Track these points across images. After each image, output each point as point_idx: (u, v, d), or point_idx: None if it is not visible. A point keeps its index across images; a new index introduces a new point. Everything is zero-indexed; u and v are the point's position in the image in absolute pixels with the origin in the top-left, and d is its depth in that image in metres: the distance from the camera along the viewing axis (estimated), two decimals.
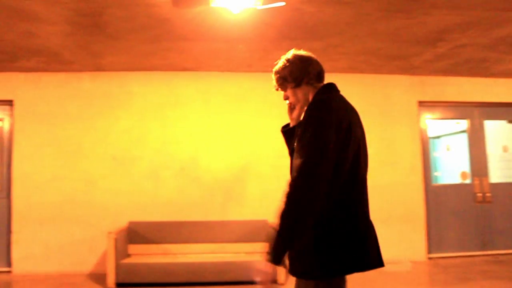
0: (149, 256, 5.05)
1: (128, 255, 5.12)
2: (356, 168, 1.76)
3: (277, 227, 1.64)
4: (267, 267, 1.66)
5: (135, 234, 5.21)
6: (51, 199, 5.44)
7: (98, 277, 5.22)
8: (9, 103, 5.65)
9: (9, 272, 5.53)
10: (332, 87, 1.89)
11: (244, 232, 5.29)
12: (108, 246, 4.61)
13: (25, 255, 5.46)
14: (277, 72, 1.95)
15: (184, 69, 5.47)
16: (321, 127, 1.67)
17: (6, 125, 5.75)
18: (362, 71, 5.64)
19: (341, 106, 1.79)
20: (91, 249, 5.43)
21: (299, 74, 1.88)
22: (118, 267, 4.59)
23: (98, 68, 5.39)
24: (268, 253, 1.66)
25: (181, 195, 5.39)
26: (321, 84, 1.91)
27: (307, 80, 1.88)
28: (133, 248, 5.18)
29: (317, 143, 1.65)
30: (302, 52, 1.95)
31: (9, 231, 5.60)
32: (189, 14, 3.87)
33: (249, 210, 5.48)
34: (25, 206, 5.48)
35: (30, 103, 5.54)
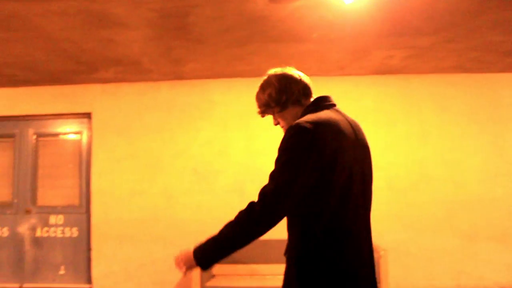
0: (235, 278, 4.65)
1: (213, 276, 4.74)
2: (346, 198, 1.55)
3: (218, 233, 1.65)
4: (186, 262, 1.68)
5: None
6: (130, 216, 5.20)
7: None
8: (87, 115, 5.49)
9: None
10: (319, 103, 1.71)
11: None
12: (194, 272, 4.23)
13: (105, 272, 5.25)
14: (257, 99, 1.84)
15: None
16: (291, 156, 1.53)
17: (84, 138, 5.60)
18: (468, 70, 4.99)
19: (326, 127, 1.56)
20: (172, 269, 5.08)
21: (281, 96, 1.75)
22: None
23: (178, 76, 5.12)
24: (196, 251, 1.67)
25: None
26: (309, 100, 1.76)
27: (292, 100, 1.75)
28: (218, 269, 4.81)
29: (283, 173, 1.52)
30: (278, 71, 1.80)
31: (89, 248, 5.42)
32: (286, 10, 3.45)
33: None
34: (104, 222, 5.28)
35: (108, 115, 5.36)
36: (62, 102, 5.50)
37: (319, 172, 1.50)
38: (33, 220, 5.67)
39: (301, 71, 5.11)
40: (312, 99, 1.78)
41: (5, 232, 5.72)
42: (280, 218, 1.55)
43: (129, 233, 5.23)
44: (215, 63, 4.71)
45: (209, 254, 1.67)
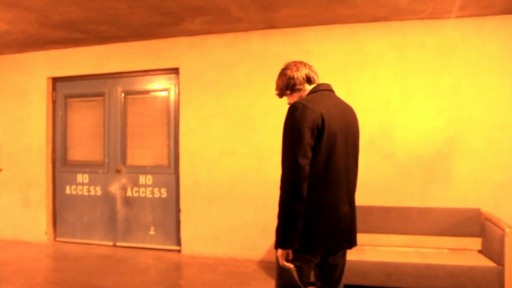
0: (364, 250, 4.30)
1: None
2: (331, 155, 2.11)
3: (279, 217, 2.08)
4: (277, 252, 2.12)
5: None
6: (219, 177, 5.03)
7: (270, 266, 4.67)
8: (175, 71, 5.32)
9: (178, 251, 5.31)
10: (316, 88, 2.30)
11: (450, 224, 4.29)
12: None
13: (194, 235, 5.19)
14: (276, 83, 2.41)
15: (374, 19, 4.55)
16: (292, 129, 2.07)
17: (172, 95, 5.46)
18: None
19: (315, 104, 2.11)
20: (263, 233, 4.91)
21: (288, 83, 2.33)
22: None
23: (270, 25, 4.75)
24: (276, 242, 2.10)
25: (370, 174, 4.53)
26: (312, 86, 2.33)
27: (298, 86, 2.32)
28: None
29: (291, 144, 2.05)
30: (290, 62, 2.41)
31: (178, 209, 5.35)
32: None
33: (456, 195, 4.45)
34: (193, 184, 5.17)
35: (195, 70, 5.17)
36: (149, 58, 5.39)
37: (313, 133, 2.05)
38: (123, 180, 5.71)
39: (412, 13, 4.46)
40: (314, 85, 2.34)
41: (98, 191, 5.84)
42: (305, 172, 2.03)
43: (218, 195, 5.08)
44: (312, 7, 4.29)
45: (285, 236, 2.06)
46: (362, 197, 4.60)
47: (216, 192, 5.14)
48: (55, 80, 6.07)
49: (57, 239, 6.09)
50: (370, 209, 4.45)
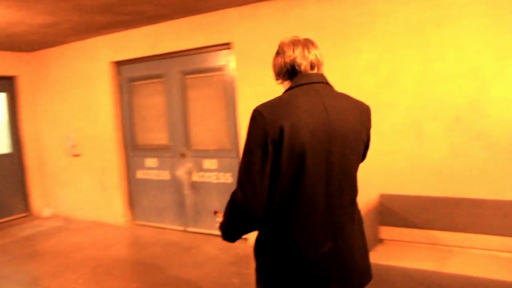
0: (408, 246, 3.65)
1: (380, 241, 3.84)
2: (297, 185, 1.61)
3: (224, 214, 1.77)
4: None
5: (389, 212, 3.91)
6: None
7: None
8: (229, 46, 4.84)
9: (244, 239, 5.00)
10: (296, 82, 1.73)
11: None
12: None
13: None
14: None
15: None
16: (245, 144, 1.64)
17: (229, 73, 5.01)
18: None
19: (278, 112, 1.59)
20: None
21: (277, 67, 1.81)
22: None
23: None
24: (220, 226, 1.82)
25: (456, 158, 3.75)
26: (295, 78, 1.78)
27: (286, 74, 1.78)
28: (386, 232, 3.87)
29: (241, 165, 1.64)
30: (284, 40, 1.81)
31: None
32: None
33: None
34: None
35: (249, 43, 4.77)
36: (201, 34, 5.00)
37: (265, 153, 1.58)
38: (189, 164, 5.53)
39: None
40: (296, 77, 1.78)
41: (166, 175, 5.74)
42: (253, 207, 1.61)
43: None
44: None
45: (224, 232, 1.80)
46: (446, 186, 3.83)
47: None
48: (119, 64, 5.97)
49: (134, 221, 6.17)
50: (457, 202, 3.67)
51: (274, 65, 1.81)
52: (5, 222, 6.77)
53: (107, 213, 6.31)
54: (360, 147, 1.75)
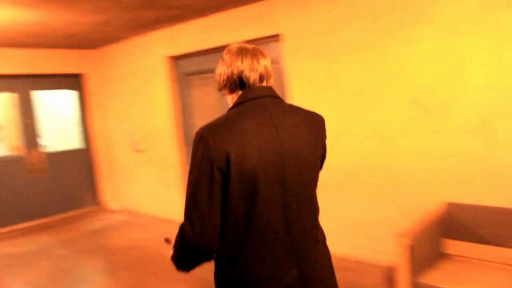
0: (474, 266, 3.21)
1: (443, 255, 3.38)
2: (251, 212, 1.50)
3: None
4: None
5: (455, 224, 3.44)
6: (334, 161, 4.26)
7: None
8: (277, 38, 4.53)
9: None
10: (244, 98, 1.59)
11: None
12: (398, 257, 2.99)
13: None
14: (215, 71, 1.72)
15: None
16: (190, 171, 1.51)
17: (279, 67, 4.71)
18: None
19: (224, 135, 1.48)
20: (390, 233, 3.93)
21: (222, 78, 1.63)
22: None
23: None
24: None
25: None
26: (242, 93, 1.62)
27: (232, 87, 1.62)
28: (451, 246, 3.42)
29: (187, 195, 1.51)
30: (231, 48, 1.65)
31: None
32: None
33: None
34: None
35: (299, 35, 4.47)
36: (249, 26, 4.77)
37: (212, 180, 1.47)
38: None
39: None
40: (243, 92, 1.62)
41: None
42: (213, 235, 1.50)
43: (335, 183, 4.31)
44: None
45: (177, 265, 1.68)
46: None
47: (333, 179, 4.34)
48: (175, 59, 5.90)
49: None
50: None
51: (219, 75, 1.64)
52: (77, 215, 7.13)
53: (169, 210, 6.35)
54: (316, 163, 1.65)
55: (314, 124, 1.66)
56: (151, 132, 6.42)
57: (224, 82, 1.63)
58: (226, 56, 1.63)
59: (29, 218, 6.67)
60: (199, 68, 5.71)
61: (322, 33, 4.19)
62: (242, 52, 1.60)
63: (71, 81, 7.06)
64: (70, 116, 7.39)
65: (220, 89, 1.69)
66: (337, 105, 4.21)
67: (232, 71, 1.59)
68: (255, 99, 1.58)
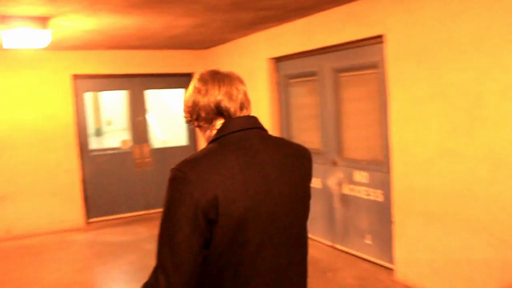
0: None
1: None
2: (241, 265, 1.34)
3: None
4: None
5: None
6: (437, 185, 3.70)
7: None
8: (380, 40, 4.04)
9: (390, 270, 4.28)
10: (226, 130, 1.42)
11: None
12: None
13: (408, 257, 4.09)
14: (184, 99, 1.54)
15: None
16: (165, 216, 1.31)
17: (381, 72, 4.25)
18: None
19: (209, 174, 1.29)
20: (502, 279, 3.23)
21: (191, 110, 1.47)
22: None
23: None
24: None
25: None
26: (222, 123, 1.46)
27: (202, 118, 1.46)
28: None
29: (162, 242, 1.30)
30: (204, 74, 1.48)
31: (390, 219, 4.20)
32: None
33: None
34: (406, 189, 4.02)
35: (404, 36, 3.95)
36: (351, 26, 4.36)
37: (196, 228, 1.27)
38: (339, 173, 4.96)
39: None
40: (223, 122, 1.45)
41: (318, 183, 5.25)
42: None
43: (436, 210, 3.71)
44: None
45: None
46: None
47: (433, 206, 3.70)
48: (277, 61, 5.66)
49: None
50: None
51: (192, 106, 1.45)
52: None
53: None
54: (307, 200, 1.56)
55: (301, 159, 1.53)
56: None
57: (198, 113, 1.45)
58: (198, 83, 1.46)
59: (130, 209, 7.02)
60: (299, 71, 5.40)
61: (430, 33, 3.57)
62: (218, 78, 1.44)
63: (182, 80, 7.27)
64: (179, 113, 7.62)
65: (190, 121, 1.50)
66: (443, 120, 3.55)
67: (208, 100, 1.42)
68: (238, 131, 1.42)
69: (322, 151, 5.17)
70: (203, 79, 1.45)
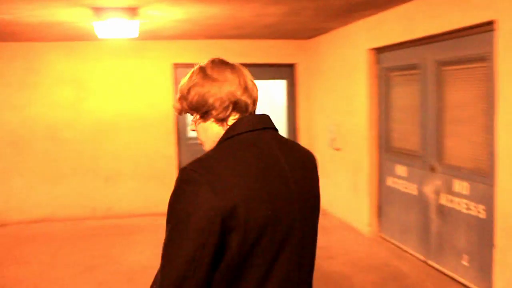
0: None
1: None
2: (247, 267, 1.17)
3: None
4: None
5: None
6: None
7: None
8: (489, 27, 3.41)
9: None
10: (240, 129, 1.24)
11: None
12: None
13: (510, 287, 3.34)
14: (180, 89, 1.34)
15: None
16: (173, 226, 1.12)
17: (491, 65, 3.57)
18: None
19: (228, 177, 1.12)
20: None
21: (200, 102, 1.26)
22: None
23: None
24: None
25: None
26: (234, 120, 1.29)
27: (214, 114, 1.26)
28: None
29: (168, 257, 1.11)
30: (216, 62, 1.31)
31: (491, 241, 3.58)
32: None
33: None
34: None
35: None
36: (457, 10, 3.78)
37: (207, 243, 1.10)
38: (437, 181, 4.41)
39: None
40: (236, 120, 1.28)
41: (414, 189, 4.76)
42: None
43: None
44: None
45: None
46: None
47: None
48: (378, 52, 5.16)
49: (380, 233, 5.37)
50: None
51: (201, 98, 1.25)
52: None
53: (355, 217, 5.73)
54: (319, 208, 1.43)
55: (312, 163, 1.43)
56: (348, 131, 5.85)
57: (207, 108, 1.25)
58: (211, 71, 1.27)
59: None
60: (399, 63, 4.84)
61: None
62: (232, 67, 1.28)
63: (285, 71, 7.07)
64: (281, 105, 7.44)
65: (191, 113, 1.31)
66: None
67: (228, 92, 1.24)
68: (252, 131, 1.26)
69: (419, 154, 4.59)
70: (217, 67, 1.27)
